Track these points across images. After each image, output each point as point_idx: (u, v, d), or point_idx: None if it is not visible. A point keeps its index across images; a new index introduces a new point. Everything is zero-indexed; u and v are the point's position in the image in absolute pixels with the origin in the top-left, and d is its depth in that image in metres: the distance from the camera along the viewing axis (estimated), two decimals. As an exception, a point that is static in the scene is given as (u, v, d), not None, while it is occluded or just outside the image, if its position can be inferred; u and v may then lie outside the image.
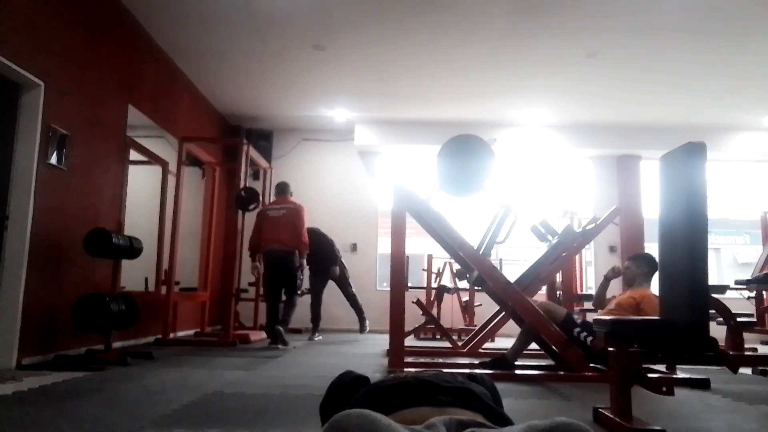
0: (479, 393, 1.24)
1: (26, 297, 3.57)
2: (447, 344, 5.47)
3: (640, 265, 3.77)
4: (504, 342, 5.49)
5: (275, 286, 5.50)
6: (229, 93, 7.09)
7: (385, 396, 1.21)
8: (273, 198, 6.08)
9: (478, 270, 3.90)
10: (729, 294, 5.08)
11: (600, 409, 2.31)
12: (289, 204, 5.66)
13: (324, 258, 6.42)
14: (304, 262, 5.61)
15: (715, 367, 2.61)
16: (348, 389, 1.45)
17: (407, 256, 5.02)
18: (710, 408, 2.69)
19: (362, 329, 6.77)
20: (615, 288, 4.23)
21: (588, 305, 5.86)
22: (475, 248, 3.88)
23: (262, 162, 6.81)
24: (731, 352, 2.26)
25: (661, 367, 3.64)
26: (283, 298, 5.53)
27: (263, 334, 6.16)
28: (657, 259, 2.38)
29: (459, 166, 3.84)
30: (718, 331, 2.36)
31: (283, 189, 5.85)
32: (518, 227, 4.04)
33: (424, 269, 7.50)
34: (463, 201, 4.45)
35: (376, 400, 1.21)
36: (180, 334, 6.10)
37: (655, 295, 3.53)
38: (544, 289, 5.22)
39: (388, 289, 3.80)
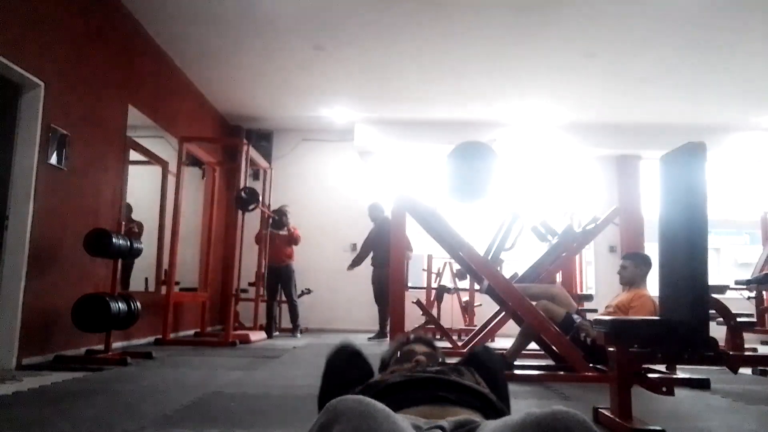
0: (478, 390, 1.26)
1: (26, 297, 3.57)
2: (447, 344, 5.47)
3: (639, 265, 3.77)
4: (504, 342, 5.48)
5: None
6: (229, 93, 7.08)
7: (385, 395, 1.22)
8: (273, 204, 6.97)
9: (478, 270, 3.90)
10: (729, 294, 5.07)
11: (600, 409, 2.31)
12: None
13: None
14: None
15: (715, 367, 2.61)
16: (347, 377, 1.47)
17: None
18: (710, 408, 2.69)
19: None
20: (615, 288, 4.22)
21: (588, 305, 5.86)
22: (482, 254, 3.88)
23: (262, 162, 6.81)
24: (731, 352, 2.26)
25: (661, 367, 3.63)
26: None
27: (263, 334, 6.39)
28: (654, 258, 2.39)
29: (468, 174, 3.83)
30: (718, 331, 2.36)
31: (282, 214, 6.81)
32: (523, 231, 4.06)
33: (424, 269, 7.50)
34: (468, 206, 4.46)
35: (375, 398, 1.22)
36: (180, 334, 6.10)
37: (650, 297, 3.54)
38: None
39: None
